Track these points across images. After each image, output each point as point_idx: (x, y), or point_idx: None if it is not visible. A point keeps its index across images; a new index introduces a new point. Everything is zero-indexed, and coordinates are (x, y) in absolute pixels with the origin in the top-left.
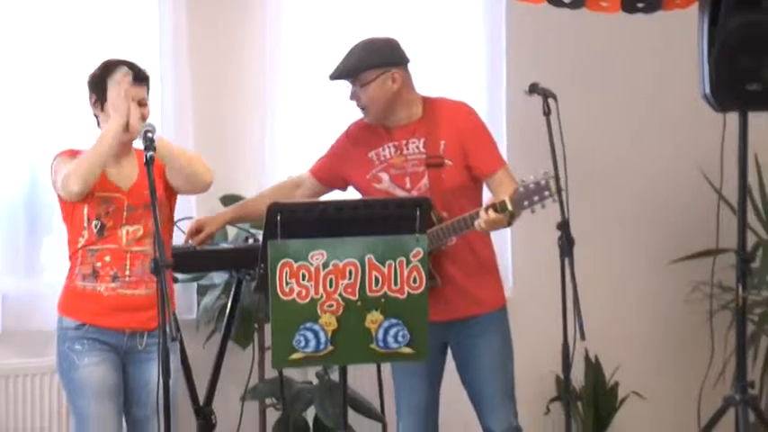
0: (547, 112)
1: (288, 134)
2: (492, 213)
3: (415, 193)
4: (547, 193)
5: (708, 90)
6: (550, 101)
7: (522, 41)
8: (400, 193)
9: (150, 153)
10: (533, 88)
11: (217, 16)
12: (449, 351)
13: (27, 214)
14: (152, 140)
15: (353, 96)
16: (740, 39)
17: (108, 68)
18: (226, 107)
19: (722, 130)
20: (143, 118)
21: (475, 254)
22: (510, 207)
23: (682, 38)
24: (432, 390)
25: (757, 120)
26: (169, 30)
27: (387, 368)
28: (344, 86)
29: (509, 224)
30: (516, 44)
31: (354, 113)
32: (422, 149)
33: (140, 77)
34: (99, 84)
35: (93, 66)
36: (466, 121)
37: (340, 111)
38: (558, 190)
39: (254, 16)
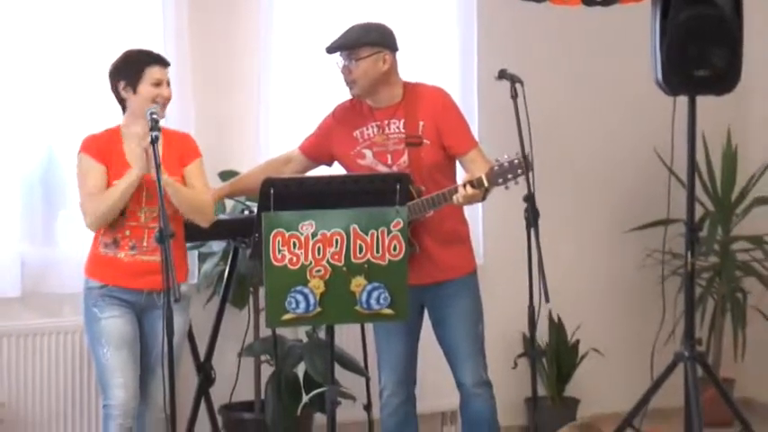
0: (514, 96)
1: (279, 115)
2: (469, 189)
3: (395, 169)
4: (520, 171)
5: (660, 76)
6: (517, 85)
7: (492, 31)
8: (382, 169)
9: (155, 133)
10: (502, 74)
11: (215, 6)
12: (425, 312)
13: (44, 190)
14: (156, 121)
15: (345, 70)
16: (689, 30)
17: (131, 56)
18: (223, 92)
19: (673, 112)
20: (170, 98)
21: (449, 225)
22: (486, 183)
23: (636, 29)
24: (410, 346)
25: (705, 103)
26: (172, 20)
27: (369, 327)
28: (334, 66)
29: (483, 199)
30: (487, 33)
31: (340, 96)
32: (402, 129)
33: (165, 62)
34: (125, 70)
35: (104, 55)
36: (442, 104)
37: (326, 94)
38: (526, 168)
39: (249, 7)
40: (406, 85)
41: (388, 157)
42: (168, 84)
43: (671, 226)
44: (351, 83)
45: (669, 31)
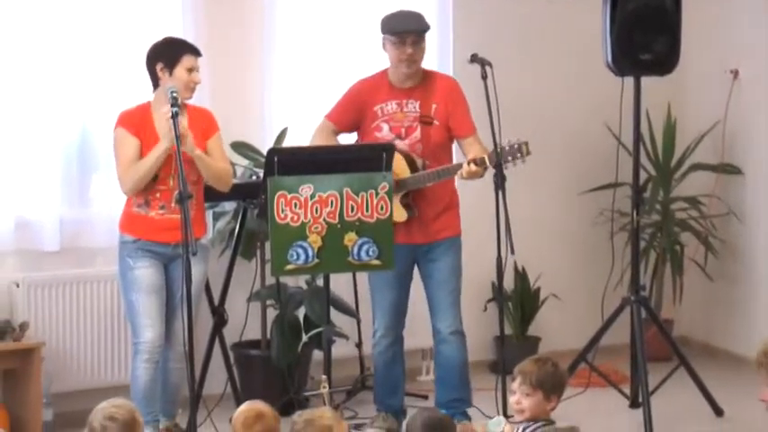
0: (484, 77)
1: (280, 95)
2: (473, 166)
3: (407, 142)
4: (519, 155)
5: (610, 59)
6: (487, 68)
7: (466, 20)
8: (396, 142)
9: (175, 109)
10: (474, 58)
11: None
12: (416, 267)
13: (79, 157)
14: (176, 99)
15: (415, 47)
16: (635, 19)
17: (171, 42)
18: (234, 75)
19: (621, 91)
20: (199, 83)
21: (443, 194)
22: (488, 163)
23: (589, 20)
24: (401, 296)
25: (648, 82)
26: (190, 11)
27: (360, 277)
28: (325, 52)
29: (481, 176)
30: (461, 22)
31: (331, 75)
32: (417, 109)
33: (199, 52)
34: (164, 54)
35: (132, 40)
36: (453, 92)
37: (319, 77)
38: (499, 162)
39: (256, 2)
40: (424, 71)
41: (402, 131)
42: (198, 70)
43: (619, 188)
44: (414, 61)
45: (618, 21)
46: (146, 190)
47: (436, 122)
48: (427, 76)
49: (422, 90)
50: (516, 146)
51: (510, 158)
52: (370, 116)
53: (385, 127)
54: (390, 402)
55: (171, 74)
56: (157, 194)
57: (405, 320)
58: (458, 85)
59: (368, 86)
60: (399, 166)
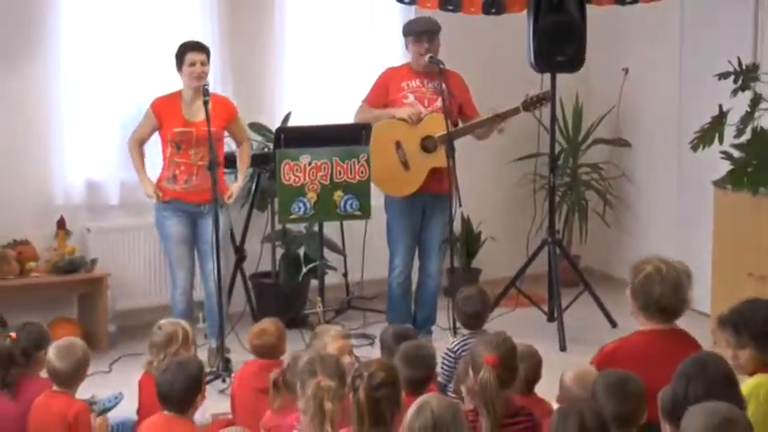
0: (438, 71)
1: (292, 82)
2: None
3: (429, 109)
4: (544, 102)
5: (533, 60)
6: (441, 66)
7: None
8: (421, 108)
9: (206, 98)
10: (431, 59)
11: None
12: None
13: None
14: (207, 90)
15: (430, 44)
16: (552, 30)
17: (185, 47)
18: (252, 70)
19: (540, 83)
20: (205, 74)
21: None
22: (521, 110)
23: (517, 29)
24: (414, 240)
25: (561, 77)
26: (216, 13)
27: (346, 223)
28: (331, 47)
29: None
30: None
31: (335, 69)
32: (437, 87)
33: (201, 48)
34: (177, 56)
35: (173, 37)
36: (463, 82)
37: (317, 74)
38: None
39: (271, 3)
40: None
41: (426, 101)
42: (203, 63)
43: (539, 158)
44: (432, 56)
45: (539, 30)
46: (171, 165)
47: (456, 98)
48: (440, 69)
49: (438, 77)
50: (538, 96)
51: (539, 105)
52: (397, 90)
53: (411, 96)
54: (405, 323)
55: (181, 71)
56: (182, 167)
57: (413, 262)
58: (463, 78)
59: (394, 70)
60: (439, 123)
